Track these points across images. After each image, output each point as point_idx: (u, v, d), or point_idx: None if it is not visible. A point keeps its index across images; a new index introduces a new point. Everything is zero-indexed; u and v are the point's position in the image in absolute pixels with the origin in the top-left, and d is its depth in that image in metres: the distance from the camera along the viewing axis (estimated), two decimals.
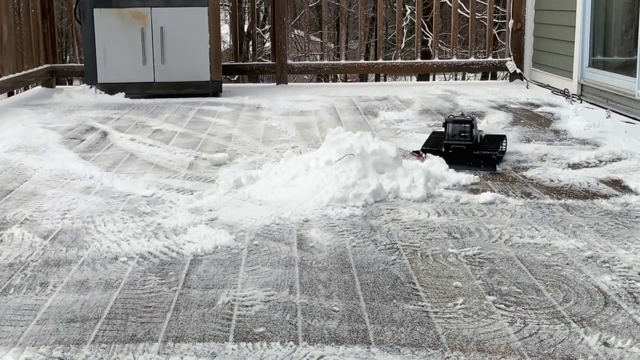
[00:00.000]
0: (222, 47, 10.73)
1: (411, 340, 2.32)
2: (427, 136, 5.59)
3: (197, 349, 2.28)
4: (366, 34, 20.31)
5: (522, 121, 6.20)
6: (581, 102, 6.97)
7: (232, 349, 2.28)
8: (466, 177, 4.24)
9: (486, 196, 3.87)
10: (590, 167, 4.57)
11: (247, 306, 2.59)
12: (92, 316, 2.52)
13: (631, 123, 5.93)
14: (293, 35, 20.31)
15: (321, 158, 4.14)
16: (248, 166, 4.68)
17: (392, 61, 9.56)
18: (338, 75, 17.12)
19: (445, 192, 3.99)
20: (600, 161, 4.69)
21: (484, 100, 7.44)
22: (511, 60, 8.92)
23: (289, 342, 2.31)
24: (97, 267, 2.98)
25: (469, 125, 4.59)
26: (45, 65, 8.68)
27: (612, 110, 6.32)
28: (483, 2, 12.49)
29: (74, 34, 9.81)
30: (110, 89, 7.87)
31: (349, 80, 17.70)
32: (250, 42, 17.63)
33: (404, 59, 9.67)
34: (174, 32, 7.84)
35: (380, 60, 9.53)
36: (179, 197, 3.98)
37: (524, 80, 8.77)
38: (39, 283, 2.82)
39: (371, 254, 3.10)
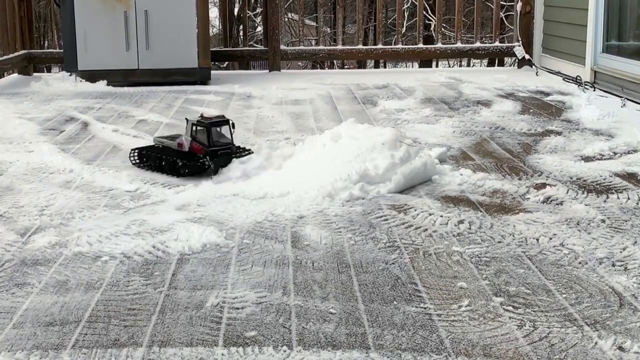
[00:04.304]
0: (210, 31, 10.72)
1: (413, 344, 2.32)
2: (429, 127, 5.60)
3: (185, 354, 2.28)
4: (365, 18, 20.29)
5: (531, 110, 6.20)
6: (594, 90, 6.97)
7: (222, 354, 2.27)
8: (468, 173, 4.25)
9: (493, 191, 3.87)
10: (604, 159, 4.57)
11: (237, 308, 2.58)
12: (72, 319, 2.52)
13: None
14: (286, 19, 20.28)
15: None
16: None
17: (393, 46, 9.54)
18: (334, 61, 17.09)
19: (449, 187, 3.99)
20: (615, 153, 4.70)
21: (490, 88, 7.44)
22: (519, 46, 8.92)
23: (282, 346, 2.31)
24: (78, 267, 2.97)
25: (228, 126, 4.47)
26: (22, 52, 8.65)
27: (628, 99, 6.32)
28: None
29: (53, 17, 9.79)
30: (92, 76, 7.85)
31: (346, 67, 17.69)
32: (241, 27, 17.63)
33: (405, 44, 9.66)
34: (160, 16, 7.82)
35: (379, 46, 9.51)
36: (165, 192, 3.98)
37: (533, 66, 8.77)
38: (15, 284, 2.81)
39: (370, 253, 3.10)
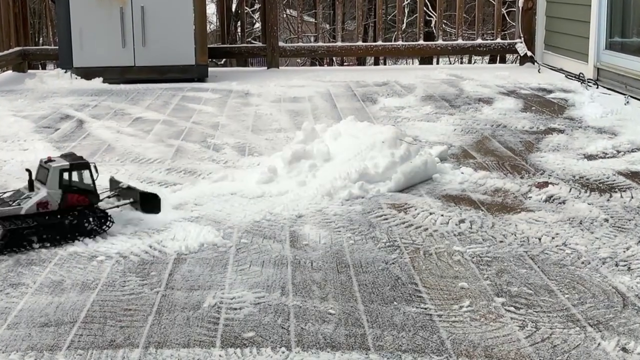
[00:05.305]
0: (208, 28, 10.71)
1: (413, 345, 2.32)
2: (430, 125, 5.60)
3: (182, 355, 2.28)
4: (364, 14, 20.29)
5: (533, 108, 6.20)
6: (597, 88, 6.97)
7: (219, 356, 2.27)
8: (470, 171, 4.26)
9: (495, 190, 3.87)
10: (608, 157, 4.57)
11: (235, 309, 2.58)
12: (68, 320, 2.51)
13: None
14: (285, 15, 20.27)
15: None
16: (237, 156, 4.67)
17: (393, 43, 9.54)
18: (334, 58, 17.11)
19: (450, 186, 3.99)
20: (618, 151, 4.69)
21: (491, 85, 7.44)
22: (521, 42, 8.91)
23: (280, 347, 2.31)
24: (73, 267, 2.97)
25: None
26: (17, 48, 8.64)
27: (631, 96, 6.32)
28: None
29: (48, 14, 9.80)
30: (87, 73, 7.84)
31: (345, 64, 17.68)
32: (239, 23, 17.60)
33: (405, 41, 9.68)
34: (156, 12, 7.81)
35: (379, 42, 9.51)
36: (161, 190, 3.97)
37: (536, 63, 8.76)
38: (9, 284, 2.81)
39: (370, 253, 3.09)
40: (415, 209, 3.62)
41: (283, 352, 2.28)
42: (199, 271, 2.91)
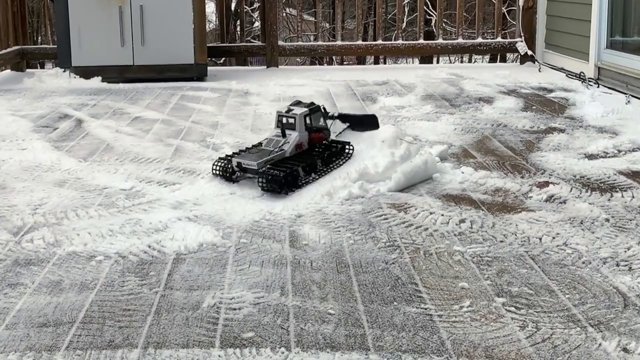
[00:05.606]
0: (207, 27, 10.71)
1: (413, 346, 2.32)
2: (430, 124, 5.59)
3: (181, 355, 2.28)
4: (364, 13, 20.29)
5: (534, 107, 6.20)
6: (598, 87, 6.97)
7: (219, 356, 2.27)
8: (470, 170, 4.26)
9: (495, 189, 3.86)
10: (609, 157, 4.57)
11: (234, 309, 2.58)
12: (66, 320, 2.51)
13: None
14: (284, 14, 20.28)
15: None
16: None
17: (393, 42, 9.53)
18: (333, 57, 17.11)
19: (450, 185, 3.99)
20: (619, 151, 4.69)
21: (492, 84, 7.44)
22: (522, 41, 8.91)
23: (280, 348, 2.31)
24: (72, 267, 2.97)
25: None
26: (15, 47, 8.63)
27: (632, 96, 6.32)
28: None
29: (46, 12, 9.79)
30: (86, 72, 7.84)
31: (345, 63, 17.68)
32: (238, 22, 17.61)
33: (406, 40, 9.65)
34: (155, 11, 7.80)
35: (379, 42, 9.51)
36: (160, 190, 3.97)
37: (536, 62, 8.76)
38: (8, 284, 2.81)
39: (370, 252, 3.09)
40: (416, 209, 3.62)
41: (282, 353, 2.28)
42: (198, 271, 2.91)
